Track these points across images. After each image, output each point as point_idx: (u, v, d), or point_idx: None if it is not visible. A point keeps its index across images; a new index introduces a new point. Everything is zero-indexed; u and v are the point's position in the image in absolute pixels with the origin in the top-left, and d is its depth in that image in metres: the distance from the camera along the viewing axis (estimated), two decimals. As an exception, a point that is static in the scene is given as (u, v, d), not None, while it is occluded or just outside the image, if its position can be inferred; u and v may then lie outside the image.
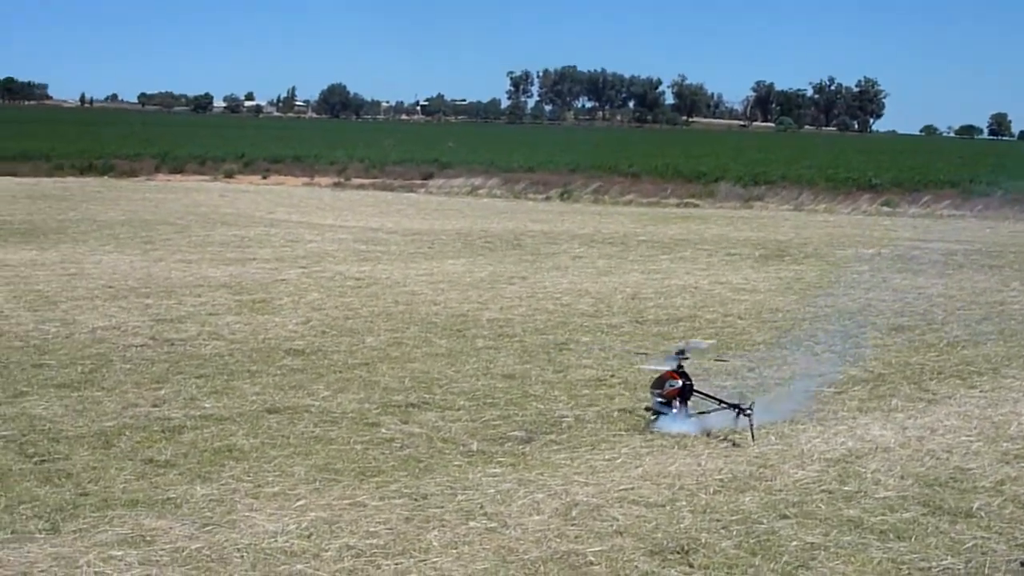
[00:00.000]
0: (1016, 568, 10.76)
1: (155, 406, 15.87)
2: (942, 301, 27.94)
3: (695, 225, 48.00)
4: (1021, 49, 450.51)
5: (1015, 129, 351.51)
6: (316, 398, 16.57)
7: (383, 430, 15.00)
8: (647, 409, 15.79)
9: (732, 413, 15.25)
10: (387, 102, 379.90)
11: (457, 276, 30.08)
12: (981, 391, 18.26)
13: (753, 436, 14.88)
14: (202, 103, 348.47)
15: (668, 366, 15.87)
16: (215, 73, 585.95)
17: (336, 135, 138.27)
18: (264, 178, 75.26)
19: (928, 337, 23.06)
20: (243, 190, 65.57)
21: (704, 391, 15.94)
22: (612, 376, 18.67)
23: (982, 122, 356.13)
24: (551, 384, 17.99)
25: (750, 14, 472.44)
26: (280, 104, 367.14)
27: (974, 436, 15.36)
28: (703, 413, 15.58)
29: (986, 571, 10.71)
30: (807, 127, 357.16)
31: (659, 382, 15.67)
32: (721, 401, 15.66)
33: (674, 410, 15.39)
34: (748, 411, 15.12)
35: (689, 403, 15.52)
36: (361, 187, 70.77)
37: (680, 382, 15.54)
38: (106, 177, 69.72)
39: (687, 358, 15.90)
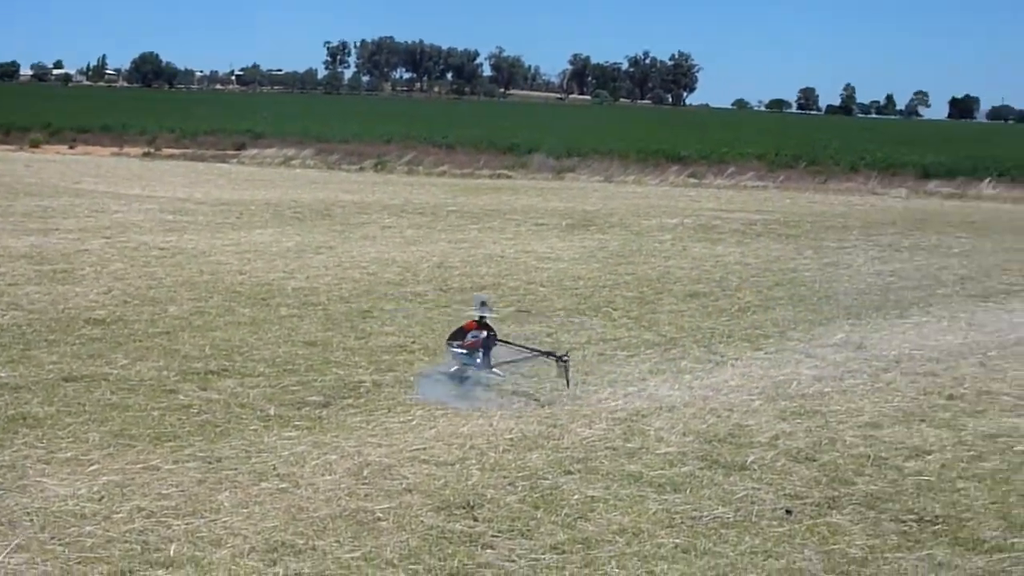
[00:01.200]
0: (782, 515, 11.37)
1: (-53, 375, 15.72)
2: (738, 268, 28.87)
3: (506, 196, 48.55)
4: (828, 25, 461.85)
5: (822, 103, 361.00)
6: (114, 366, 16.54)
7: (181, 397, 15.09)
8: (448, 371, 16.10)
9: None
10: (201, 71, 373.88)
11: (264, 246, 30.06)
12: (766, 353, 19.03)
13: (568, 383, 15.41)
14: (8, 71, 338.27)
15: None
16: (22, 40, 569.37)
17: (147, 104, 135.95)
18: (71, 148, 73.90)
19: (721, 303, 23.86)
20: (49, 160, 64.28)
21: (516, 342, 16.41)
22: (413, 343, 18.98)
23: (791, 96, 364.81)
24: (352, 351, 18.21)
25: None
26: (90, 73, 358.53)
27: (755, 395, 16.05)
28: (513, 362, 16.03)
29: (753, 519, 11.30)
30: (623, 100, 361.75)
31: (459, 333, 15.98)
32: (536, 350, 16.13)
33: (478, 360, 15.73)
34: (565, 358, 15.64)
35: (491, 354, 15.89)
36: (171, 157, 69.89)
37: (484, 332, 15.91)
38: (-99, 148, 67.68)
39: (488, 311, 16.24)
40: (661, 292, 24.96)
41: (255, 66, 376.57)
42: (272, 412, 14.54)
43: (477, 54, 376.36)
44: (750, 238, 35.65)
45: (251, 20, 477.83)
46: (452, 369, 15.97)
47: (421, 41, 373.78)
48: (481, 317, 16.12)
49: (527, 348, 16.40)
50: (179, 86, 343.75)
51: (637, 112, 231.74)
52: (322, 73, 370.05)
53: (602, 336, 19.96)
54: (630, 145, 75.53)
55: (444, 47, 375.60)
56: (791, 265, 29.90)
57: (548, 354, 16.00)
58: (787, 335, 20.73)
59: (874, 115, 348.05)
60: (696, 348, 19.21)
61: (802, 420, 14.87)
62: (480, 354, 15.89)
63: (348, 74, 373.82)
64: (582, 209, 42.94)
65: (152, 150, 72.50)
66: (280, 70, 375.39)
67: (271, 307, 21.75)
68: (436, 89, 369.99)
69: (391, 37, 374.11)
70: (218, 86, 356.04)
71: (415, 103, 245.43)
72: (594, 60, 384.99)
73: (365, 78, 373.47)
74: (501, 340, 16.21)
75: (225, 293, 23.04)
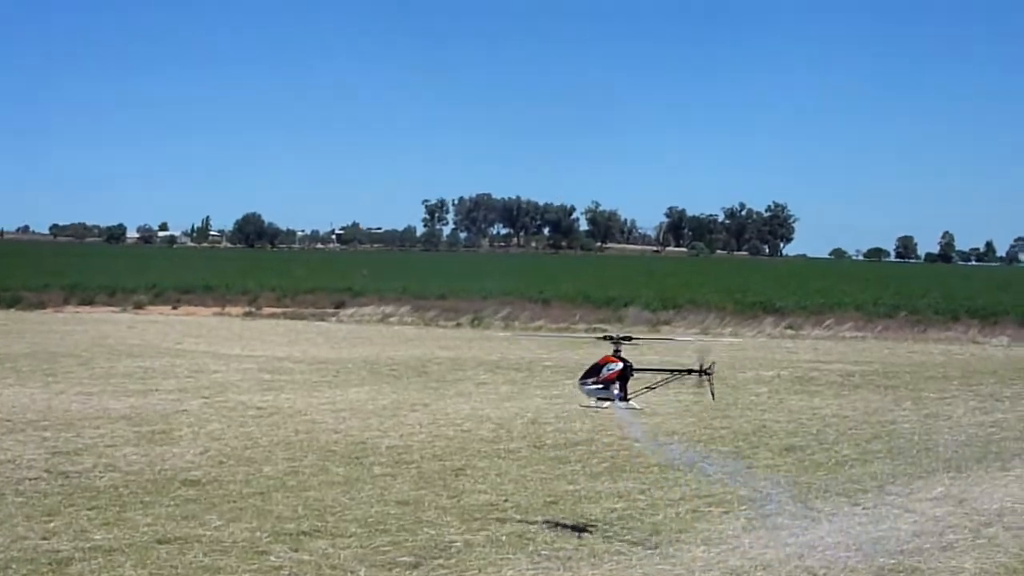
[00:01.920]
0: None
1: (44, 539, 15.88)
2: (835, 421, 28.51)
3: (602, 350, 48.31)
4: (926, 172, 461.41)
5: (920, 251, 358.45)
6: (208, 528, 16.63)
7: (272, 558, 15.11)
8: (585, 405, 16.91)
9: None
10: (303, 231, 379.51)
11: (360, 404, 30.23)
12: (864, 508, 18.69)
13: (713, 396, 15.55)
14: (115, 234, 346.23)
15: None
16: (128, 203, 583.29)
17: (250, 264, 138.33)
18: (174, 308, 75.12)
19: (818, 456, 23.55)
20: (152, 321, 65.38)
21: (655, 367, 16.39)
22: (505, 501, 18.89)
23: (889, 245, 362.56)
24: (444, 509, 18.17)
25: (662, 141, 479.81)
26: (195, 234, 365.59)
27: (852, 552, 15.75)
28: (650, 388, 16.07)
29: None
30: (719, 252, 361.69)
31: (593, 370, 16.03)
32: (676, 370, 16.08)
33: (615, 391, 16.06)
34: (709, 371, 15.62)
35: (627, 386, 15.90)
36: (272, 316, 70.78)
37: (619, 364, 16.28)
38: (13, 310, 69.19)
39: (622, 345, 16.60)
40: (757, 446, 24.73)
41: (355, 224, 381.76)
42: (362, 574, 14.50)
43: (573, 209, 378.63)
44: (848, 389, 35.25)
45: (351, 179, 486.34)
46: (586, 404, 15.98)
47: (518, 197, 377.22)
48: (616, 350, 16.46)
49: (669, 370, 16.74)
50: (281, 246, 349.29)
51: (734, 263, 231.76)
52: (420, 230, 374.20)
53: (696, 492, 19.74)
54: (726, 297, 75.40)
55: (541, 202, 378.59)
56: (890, 417, 29.47)
57: (691, 371, 16.24)
58: (885, 489, 20.37)
59: (974, 262, 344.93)
60: (792, 504, 18.92)
61: (901, 578, 14.55)
62: (617, 386, 15.94)
63: (446, 231, 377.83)
64: (677, 361, 42.60)
65: (253, 309, 73.48)
66: (380, 228, 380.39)
67: (365, 466, 21.81)
68: (533, 244, 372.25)
69: (488, 194, 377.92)
70: (319, 245, 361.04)
71: (512, 258, 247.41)
72: (690, 212, 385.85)
73: (463, 234, 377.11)
74: (638, 369, 16.31)
75: (320, 452, 23.15)
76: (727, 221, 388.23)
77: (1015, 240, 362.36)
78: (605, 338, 16.69)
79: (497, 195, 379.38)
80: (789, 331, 61.15)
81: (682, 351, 42.86)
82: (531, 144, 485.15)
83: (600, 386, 16.22)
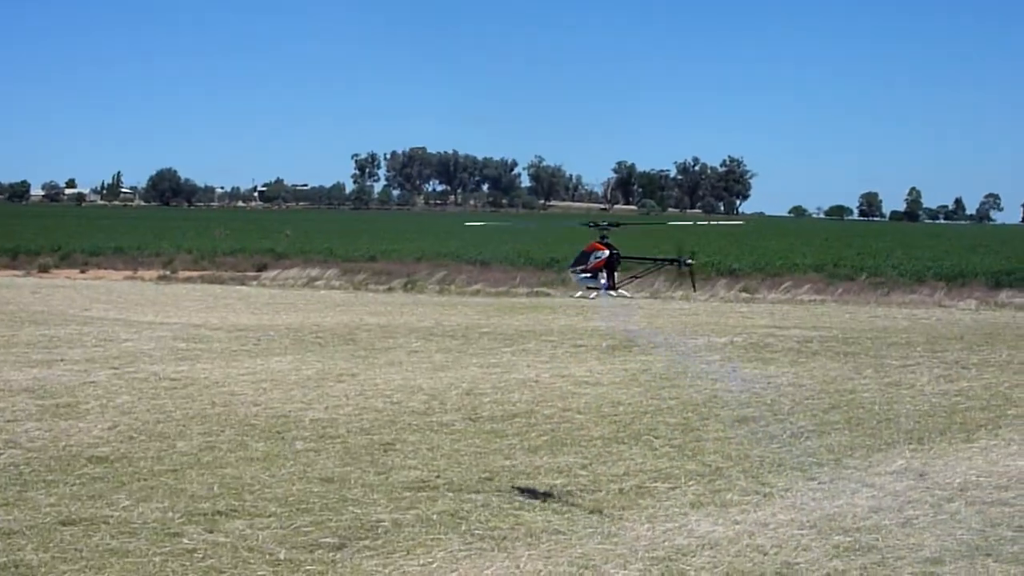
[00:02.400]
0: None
1: (-63, 521, 15.78)
2: (791, 390, 28.73)
3: (543, 315, 48.64)
4: (890, 128, 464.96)
5: (886, 209, 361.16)
6: (116, 508, 16.58)
7: (185, 540, 15.10)
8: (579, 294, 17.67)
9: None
10: (222, 188, 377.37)
11: (282, 374, 30.16)
12: (820, 483, 18.89)
13: (695, 287, 16.13)
14: (18, 191, 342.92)
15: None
16: (33, 158, 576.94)
17: (164, 224, 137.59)
18: (82, 272, 74.69)
19: (772, 428, 23.73)
20: (58, 285, 64.89)
21: (640, 256, 17.73)
22: (437, 477, 18.95)
23: (852, 202, 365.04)
24: (372, 487, 18.21)
25: (610, 92, 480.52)
26: (105, 192, 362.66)
27: (806, 530, 15.93)
28: (635, 277, 16.57)
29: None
30: (671, 210, 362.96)
31: (582, 257, 16.50)
32: (657, 260, 16.47)
33: (602, 280, 16.71)
34: (689, 263, 16.05)
35: (616, 273, 16.33)
36: (188, 280, 70.51)
37: (606, 252, 16.86)
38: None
39: (609, 230, 17.23)
40: (707, 418, 24.87)
41: (279, 181, 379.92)
42: (282, 556, 14.52)
43: (515, 164, 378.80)
44: (805, 357, 35.52)
45: (274, 133, 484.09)
46: (577, 295, 16.42)
47: (455, 151, 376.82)
48: (603, 237, 17.06)
49: (650, 259, 17.63)
50: (199, 204, 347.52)
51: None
52: (350, 187, 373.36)
53: (641, 467, 19.89)
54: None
55: (479, 157, 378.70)
56: (849, 386, 29.73)
57: (671, 260, 17.12)
58: (843, 463, 20.59)
59: (942, 220, 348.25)
60: (743, 479, 19.10)
61: (856, 557, 14.74)
62: (604, 274, 16.71)
63: (377, 187, 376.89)
64: (624, 328, 42.94)
65: (168, 273, 73.15)
66: (306, 185, 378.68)
67: (286, 441, 21.80)
68: (471, 202, 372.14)
69: (423, 148, 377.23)
70: (240, 203, 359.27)
71: (449, 217, 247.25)
72: (640, 167, 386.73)
73: (395, 191, 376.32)
74: (625, 257, 17.16)
75: (238, 426, 23.11)
76: (680, 177, 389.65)
77: (985, 197, 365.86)
78: (590, 224, 16.99)
79: (432, 149, 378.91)
80: (744, 294, 61.53)
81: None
82: (469, 95, 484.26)
83: (588, 275, 16.93)
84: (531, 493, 17.81)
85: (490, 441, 22.01)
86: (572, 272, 17.25)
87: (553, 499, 17.49)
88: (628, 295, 17.20)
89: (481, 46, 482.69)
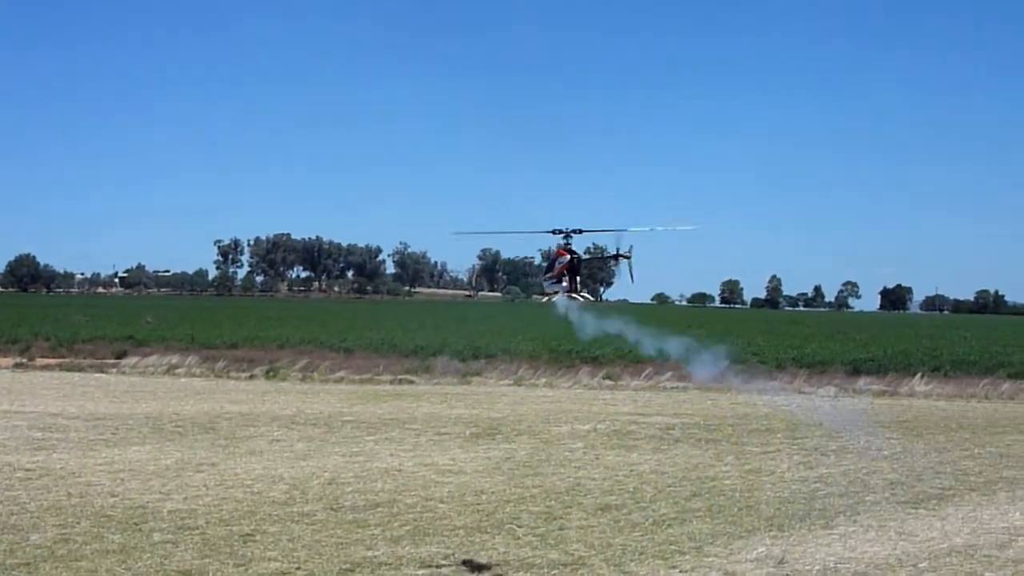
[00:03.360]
0: None
1: None
2: (653, 478, 28.90)
3: (407, 403, 48.47)
4: (751, 217, 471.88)
5: (747, 296, 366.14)
6: (-37, 605, 16.17)
7: (37, 637, 14.75)
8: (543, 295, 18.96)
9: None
10: (82, 274, 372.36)
11: (140, 464, 29.73)
12: (681, 571, 19.01)
13: (632, 279, 16.77)
14: None
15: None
16: None
17: (22, 310, 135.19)
18: (-66, 361, 72.98)
19: (635, 516, 23.84)
20: (-92, 375, 63.38)
21: (594, 255, 18.79)
22: (298, 569, 18.78)
23: (714, 289, 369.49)
24: (230, 580, 17.95)
25: (474, 177, 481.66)
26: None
27: (667, 618, 15.95)
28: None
29: None
30: (536, 296, 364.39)
31: (551, 264, 18.19)
32: (606, 256, 18.35)
33: (564, 283, 18.02)
34: (627, 255, 17.82)
35: (578, 278, 17.99)
36: (46, 367, 69.17)
37: (568, 257, 18.12)
38: None
39: (572, 237, 18.30)
40: (570, 506, 24.92)
41: (140, 267, 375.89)
42: (137, 652, 14.24)
43: (380, 250, 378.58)
44: (668, 444, 35.79)
45: (136, 218, 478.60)
46: (543, 299, 18.42)
47: (319, 238, 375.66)
48: (567, 243, 18.27)
49: (596, 258, 18.83)
50: (58, 290, 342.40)
51: (550, 309, 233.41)
52: (213, 273, 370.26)
53: (504, 557, 19.83)
54: (542, 345, 75.85)
55: (344, 243, 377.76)
56: (711, 473, 29.99)
57: (616, 256, 18.17)
58: (704, 550, 20.73)
59: (802, 308, 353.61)
60: (606, 568, 19.14)
61: (717, 645, 14.79)
62: (566, 278, 18.01)
63: (241, 274, 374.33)
64: (488, 416, 42.99)
65: (25, 360, 71.77)
66: (167, 271, 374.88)
67: (143, 532, 21.45)
68: (336, 288, 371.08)
69: (287, 234, 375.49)
70: (100, 289, 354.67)
71: (312, 304, 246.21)
72: (504, 254, 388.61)
73: (259, 278, 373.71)
74: (584, 259, 18.53)
75: (94, 518, 22.70)
76: (545, 263, 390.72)
77: (843, 285, 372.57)
78: (554, 231, 18.53)
79: (297, 235, 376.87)
80: (607, 381, 61.79)
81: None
82: (333, 180, 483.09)
83: (554, 280, 18.31)
84: (393, 584, 17.67)
85: (352, 531, 21.84)
86: (543, 281, 18.84)
87: (415, 590, 17.36)
88: (589, 296, 18.26)
89: (344, 130, 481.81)
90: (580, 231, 18.71)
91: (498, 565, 19.19)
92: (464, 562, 18.81)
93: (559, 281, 18.14)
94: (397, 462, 31.03)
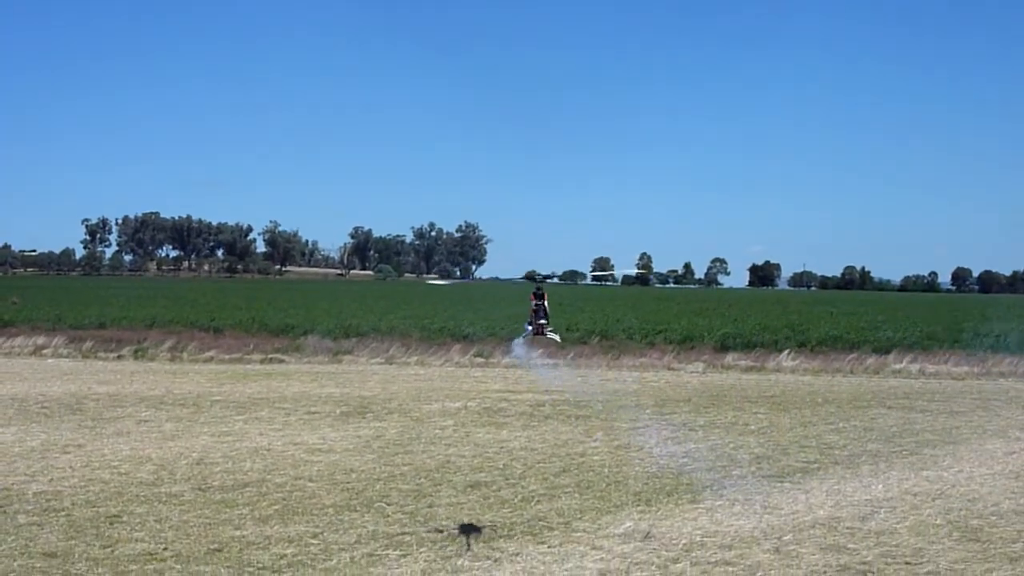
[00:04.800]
0: None
1: None
2: (523, 455, 29.04)
3: (277, 382, 48.18)
4: (622, 194, 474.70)
5: (619, 273, 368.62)
6: None
7: None
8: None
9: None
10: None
11: (5, 446, 29.32)
12: (550, 546, 19.12)
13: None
14: None
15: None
16: None
17: None
18: None
19: (504, 493, 23.95)
20: None
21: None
22: (165, 549, 18.62)
23: (586, 267, 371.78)
24: (97, 561, 17.82)
25: (346, 156, 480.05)
26: None
27: (535, 594, 16.08)
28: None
29: None
30: (408, 275, 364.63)
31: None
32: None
33: (527, 327, 20.62)
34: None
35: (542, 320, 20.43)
36: (-94, 350, 67.85)
37: (533, 303, 20.66)
38: None
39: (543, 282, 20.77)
40: (440, 483, 24.97)
41: (6, 246, 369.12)
42: (-1, 636, 14.07)
43: (250, 229, 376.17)
44: (537, 421, 35.97)
45: (0, 196, 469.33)
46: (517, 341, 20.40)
47: (189, 216, 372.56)
48: (537, 290, 20.67)
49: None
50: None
51: (424, 287, 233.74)
52: (80, 253, 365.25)
53: (373, 534, 19.84)
54: (413, 324, 75.86)
55: (214, 222, 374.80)
56: (580, 449, 30.20)
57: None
58: (572, 525, 20.89)
59: (672, 284, 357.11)
60: (475, 544, 19.20)
61: (584, 618, 14.93)
62: (530, 320, 20.56)
63: (109, 253, 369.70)
64: (359, 395, 42.90)
65: None
66: (34, 250, 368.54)
67: (8, 515, 21.16)
68: (205, 267, 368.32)
69: (156, 213, 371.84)
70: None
71: (181, 283, 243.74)
72: (376, 233, 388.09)
73: (127, 257, 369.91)
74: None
75: (-45, 502, 22.34)
76: (416, 242, 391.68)
77: (712, 261, 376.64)
78: (528, 277, 21.70)
79: (166, 214, 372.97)
80: (479, 359, 61.88)
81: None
82: (203, 159, 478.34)
83: (529, 323, 20.99)
84: (261, 564, 17.60)
85: (220, 511, 21.71)
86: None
87: (284, 569, 17.32)
88: (557, 337, 21.58)
89: (216, 107, 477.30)
90: (545, 279, 21.36)
91: (367, 542, 19.16)
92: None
93: (530, 322, 20.58)
94: (266, 441, 30.89)
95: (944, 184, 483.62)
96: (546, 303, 21.32)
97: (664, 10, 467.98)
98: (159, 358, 62.47)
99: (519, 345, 21.66)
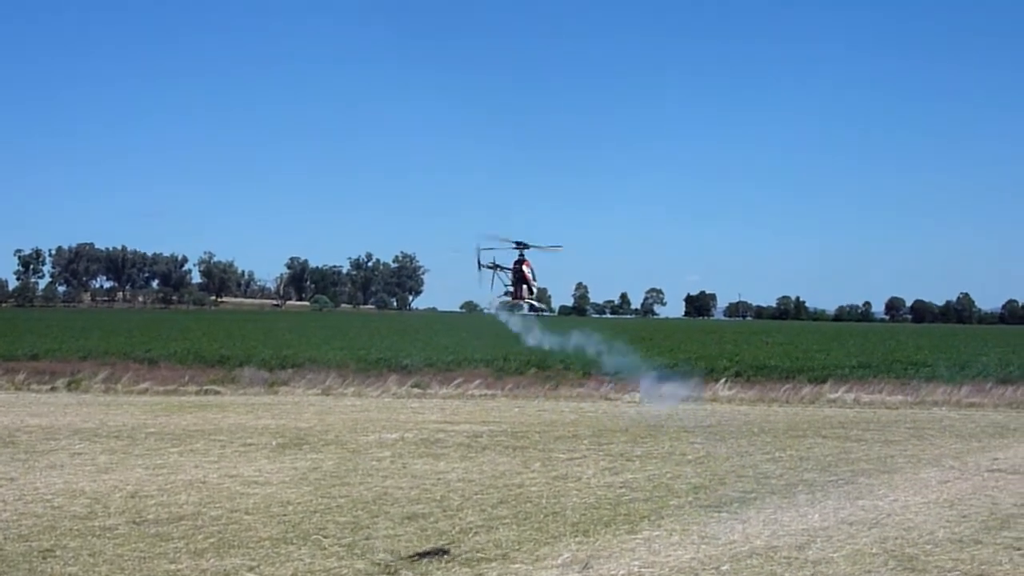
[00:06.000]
0: None
1: None
2: (461, 486, 28.96)
3: (212, 414, 47.87)
4: (557, 225, 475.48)
5: (555, 304, 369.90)
6: None
7: None
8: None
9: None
10: None
11: (-65, 480, 28.92)
12: (487, 579, 19.04)
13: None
14: None
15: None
16: None
17: None
18: None
19: (441, 524, 23.87)
20: None
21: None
22: (98, 584, 18.41)
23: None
24: (28, 597, 17.56)
25: (282, 186, 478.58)
26: None
27: (472, 626, 15.99)
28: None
29: None
30: (344, 305, 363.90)
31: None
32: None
33: (505, 295, 20.44)
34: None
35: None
36: None
37: (511, 268, 22.36)
38: None
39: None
40: (377, 515, 24.85)
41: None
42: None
43: (185, 260, 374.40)
44: (475, 452, 35.90)
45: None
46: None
47: (124, 247, 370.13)
48: (521, 256, 22.46)
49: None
50: None
51: (359, 318, 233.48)
52: (13, 284, 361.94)
53: (310, 567, 19.71)
54: (350, 354, 75.72)
55: (149, 253, 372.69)
56: (517, 480, 30.15)
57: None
58: (510, 557, 20.82)
59: (608, 314, 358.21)
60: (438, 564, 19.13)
61: (522, 651, 14.87)
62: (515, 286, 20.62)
63: (42, 284, 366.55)
64: (295, 426, 42.68)
65: None
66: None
67: (-63, 551, 20.87)
68: (140, 298, 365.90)
69: (91, 243, 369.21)
70: None
71: (116, 314, 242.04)
72: (313, 263, 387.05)
73: (61, 288, 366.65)
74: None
75: None
76: (353, 272, 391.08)
77: (648, 292, 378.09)
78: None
79: (100, 245, 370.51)
80: (416, 390, 61.78)
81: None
82: (138, 189, 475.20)
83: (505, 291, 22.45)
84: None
85: (154, 545, 21.50)
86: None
87: (219, 603, 17.16)
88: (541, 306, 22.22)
89: (152, 137, 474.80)
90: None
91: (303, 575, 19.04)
92: None
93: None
94: (201, 474, 30.65)
95: (877, 215, 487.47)
96: (527, 270, 21.71)
97: (610, 46, 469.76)
98: (93, 390, 61.95)
99: (501, 310, 21.79)
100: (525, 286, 20.55)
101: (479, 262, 22.28)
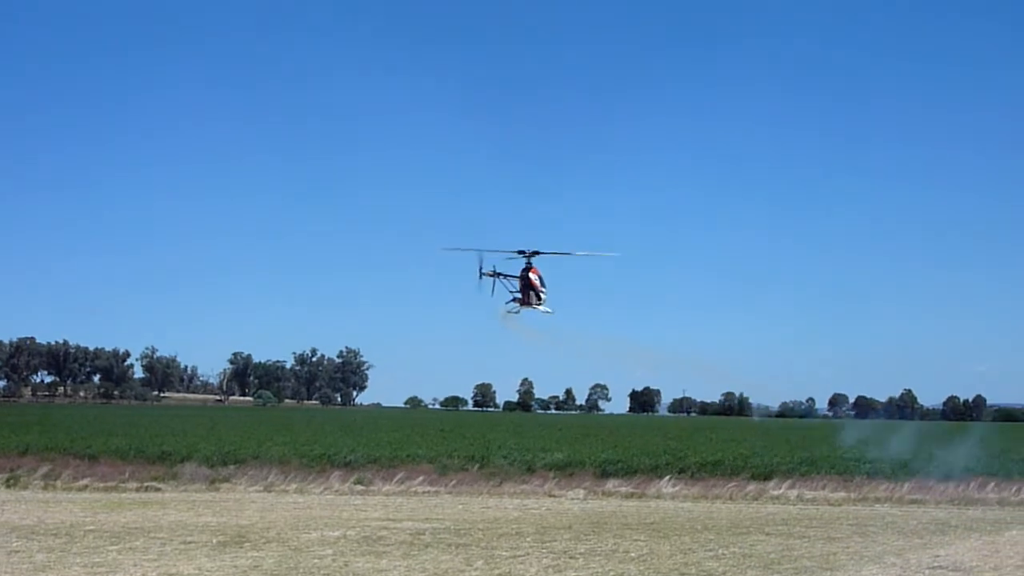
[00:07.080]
0: None
1: None
2: (401, 584, 28.74)
3: (152, 511, 47.41)
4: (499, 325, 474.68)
5: (500, 399, 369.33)
6: None
7: None
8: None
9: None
10: None
11: None
12: None
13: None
14: None
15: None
16: None
17: None
18: None
19: (381, 624, 23.66)
20: None
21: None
22: None
23: (467, 393, 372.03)
24: None
25: (225, 282, 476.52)
26: None
27: None
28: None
29: None
30: (288, 401, 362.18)
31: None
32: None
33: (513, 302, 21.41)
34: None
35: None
36: None
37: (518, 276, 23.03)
38: None
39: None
40: (317, 615, 24.61)
41: None
42: None
43: (128, 354, 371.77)
44: (418, 549, 35.67)
45: None
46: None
47: (65, 341, 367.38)
48: (528, 264, 23.22)
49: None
50: None
51: (303, 413, 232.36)
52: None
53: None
54: (293, 450, 75.22)
55: (91, 347, 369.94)
56: (459, 578, 29.98)
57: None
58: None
59: (553, 410, 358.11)
60: None
61: None
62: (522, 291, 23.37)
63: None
64: (236, 523, 42.30)
65: None
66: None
67: None
68: (81, 393, 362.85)
69: (32, 337, 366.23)
70: None
71: (57, 409, 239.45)
72: (256, 358, 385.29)
73: (1, 383, 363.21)
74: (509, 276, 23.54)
75: None
76: (297, 368, 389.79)
77: (593, 387, 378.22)
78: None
79: (41, 339, 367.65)
80: (359, 486, 61.44)
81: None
82: (80, 284, 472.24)
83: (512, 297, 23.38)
84: None
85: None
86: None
87: None
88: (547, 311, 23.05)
89: (93, 231, 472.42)
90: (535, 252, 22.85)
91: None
92: None
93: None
94: (140, 573, 30.31)
95: (819, 312, 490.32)
96: (534, 276, 22.28)
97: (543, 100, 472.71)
98: (32, 486, 61.30)
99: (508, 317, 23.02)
100: (533, 293, 22.17)
101: (480, 269, 23.85)
